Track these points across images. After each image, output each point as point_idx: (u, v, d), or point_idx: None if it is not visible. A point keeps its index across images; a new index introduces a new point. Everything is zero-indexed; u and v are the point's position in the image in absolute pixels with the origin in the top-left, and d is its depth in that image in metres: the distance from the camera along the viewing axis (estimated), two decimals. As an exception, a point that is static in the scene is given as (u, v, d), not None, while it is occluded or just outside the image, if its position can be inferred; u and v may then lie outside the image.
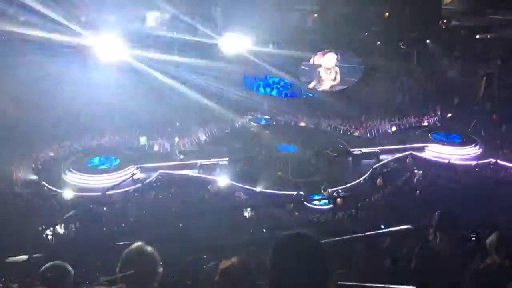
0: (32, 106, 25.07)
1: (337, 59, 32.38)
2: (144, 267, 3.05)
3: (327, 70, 32.80)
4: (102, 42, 24.75)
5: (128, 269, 2.99)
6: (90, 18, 25.50)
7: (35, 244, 15.28)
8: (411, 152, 25.44)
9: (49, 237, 17.28)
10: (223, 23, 28.58)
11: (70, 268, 3.93)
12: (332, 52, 32.10)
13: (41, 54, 23.41)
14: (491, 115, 29.46)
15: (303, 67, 32.89)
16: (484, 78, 32.00)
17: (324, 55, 32.26)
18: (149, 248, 3.15)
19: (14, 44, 23.21)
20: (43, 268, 3.88)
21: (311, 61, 32.68)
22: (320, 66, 32.71)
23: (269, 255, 2.05)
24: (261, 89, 34.75)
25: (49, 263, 3.93)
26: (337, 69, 32.82)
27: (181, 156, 24.34)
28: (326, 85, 33.21)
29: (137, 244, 3.16)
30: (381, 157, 25.36)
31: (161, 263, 3.17)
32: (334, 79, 32.95)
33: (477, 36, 31.92)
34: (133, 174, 21.97)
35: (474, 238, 4.72)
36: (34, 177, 22.39)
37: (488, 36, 31.31)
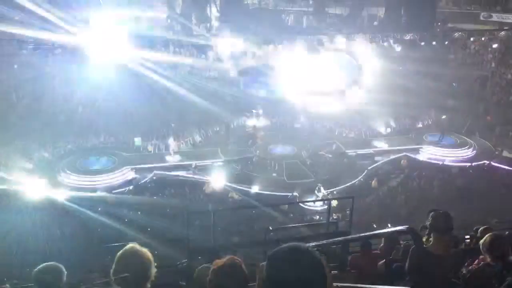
0: (26, 106, 25.01)
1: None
2: (138, 268, 3.04)
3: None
4: (97, 42, 24.63)
5: (122, 270, 2.98)
6: (85, 16, 25.40)
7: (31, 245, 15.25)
8: (406, 153, 25.53)
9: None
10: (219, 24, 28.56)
11: (63, 269, 3.91)
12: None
13: (35, 53, 23.32)
14: (485, 117, 29.61)
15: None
16: (478, 79, 32.17)
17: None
18: (143, 249, 3.14)
19: (8, 43, 23.12)
20: (36, 269, 3.86)
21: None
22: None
23: (265, 269, 2.02)
24: (256, 90, 34.69)
25: (43, 264, 3.91)
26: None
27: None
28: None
29: (131, 245, 3.15)
30: (376, 158, 25.44)
31: (155, 264, 3.16)
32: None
33: (471, 39, 32.15)
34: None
35: (467, 238, 4.73)
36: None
37: (482, 38, 31.54)
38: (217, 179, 22.31)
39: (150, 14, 29.55)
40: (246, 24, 26.69)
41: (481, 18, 32.51)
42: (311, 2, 31.90)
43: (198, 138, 27.55)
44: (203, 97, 28.28)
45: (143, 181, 22.60)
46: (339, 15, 32.11)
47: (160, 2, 29.52)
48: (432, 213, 4.43)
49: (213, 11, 29.33)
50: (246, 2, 29.55)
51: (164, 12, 29.00)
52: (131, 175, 22.98)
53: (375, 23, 33.45)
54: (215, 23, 29.06)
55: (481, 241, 4.36)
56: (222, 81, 30.86)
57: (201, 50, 28.23)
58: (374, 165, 24.71)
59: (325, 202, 19.91)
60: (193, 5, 28.55)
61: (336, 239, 7.61)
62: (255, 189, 21.55)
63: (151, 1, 30.18)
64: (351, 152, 25.63)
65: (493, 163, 23.83)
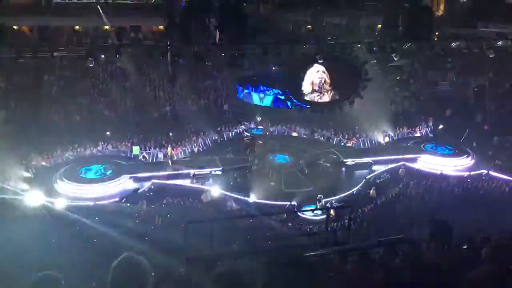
0: (23, 114, 25.01)
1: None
2: (134, 277, 3.02)
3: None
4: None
5: (119, 279, 2.96)
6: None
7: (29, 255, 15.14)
8: (404, 163, 25.49)
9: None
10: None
11: (61, 278, 3.88)
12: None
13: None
14: (483, 126, 29.64)
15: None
16: (476, 89, 32.28)
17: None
18: (140, 258, 3.12)
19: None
20: (33, 278, 3.83)
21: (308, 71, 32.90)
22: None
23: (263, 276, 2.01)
24: (255, 99, 34.70)
25: (40, 273, 3.88)
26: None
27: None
28: (326, 97, 33.34)
29: (127, 254, 3.12)
30: (374, 167, 25.41)
31: (152, 273, 3.13)
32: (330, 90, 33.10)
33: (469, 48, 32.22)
34: None
35: (467, 247, 4.71)
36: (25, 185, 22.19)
37: (480, 48, 31.59)
38: (215, 188, 22.27)
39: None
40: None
41: (479, 28, 32.71)
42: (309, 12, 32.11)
43: (196, 147, 27.55)
44: (201, 106, 28.39)
45: (141, 189, 22.51)
46: (337, 25, 32.32)
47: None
48: (432, 221, 4.43)
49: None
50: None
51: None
52: (129, 184, 22.93)
53: (373, 32, 33.66)
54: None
55: (482, 250, 4.35)
56: (219, 90, 30.96)
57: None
58: (372, 174, 24.68)
59: (323, 211, 19.89)
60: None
61: (334, 248, 7.57)
62: (253, 198, 21.51)
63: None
64: (349, 161, 25.61)
65: (491, 173, 23.81)
